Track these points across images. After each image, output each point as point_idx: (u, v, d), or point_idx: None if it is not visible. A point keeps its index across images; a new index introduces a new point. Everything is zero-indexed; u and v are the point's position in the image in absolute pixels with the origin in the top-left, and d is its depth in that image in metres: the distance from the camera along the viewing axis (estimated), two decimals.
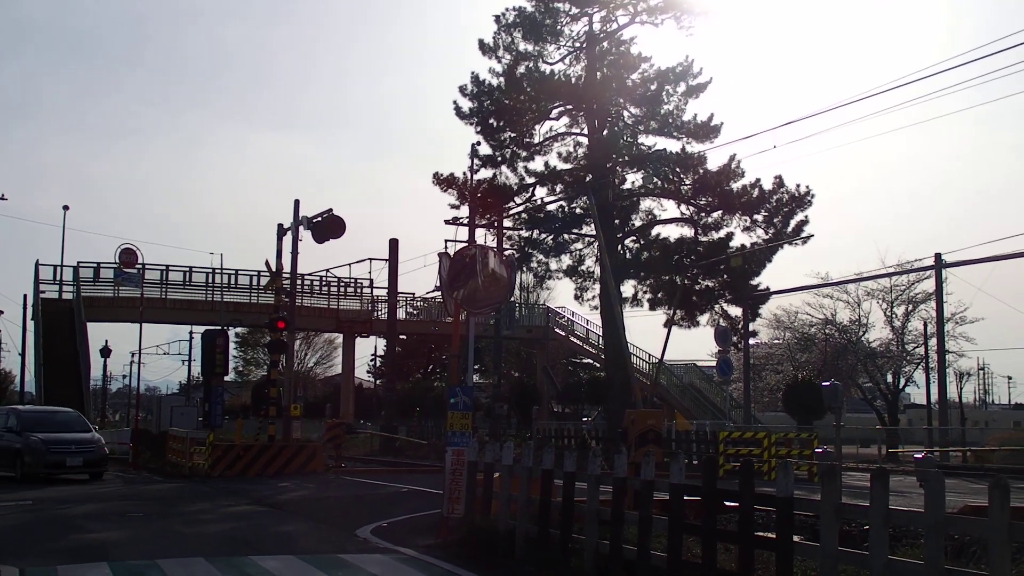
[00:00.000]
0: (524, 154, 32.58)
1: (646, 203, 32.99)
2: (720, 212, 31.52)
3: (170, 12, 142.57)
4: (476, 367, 34.82)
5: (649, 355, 44.79)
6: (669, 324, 31.79)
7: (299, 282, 32.51)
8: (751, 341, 38.23)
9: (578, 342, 45.79)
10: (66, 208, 42.66)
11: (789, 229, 30.84)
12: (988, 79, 18.44)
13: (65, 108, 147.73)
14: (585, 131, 32.44)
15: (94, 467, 20.49)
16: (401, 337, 50.98)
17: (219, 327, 28.96)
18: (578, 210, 32.61)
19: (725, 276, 31.70)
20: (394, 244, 39.15)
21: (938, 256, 31.46)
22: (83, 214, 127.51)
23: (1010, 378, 77.14)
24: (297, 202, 24.01)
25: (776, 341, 46.14)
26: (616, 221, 32.18)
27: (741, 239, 31.46)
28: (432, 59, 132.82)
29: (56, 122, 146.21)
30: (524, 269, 34.16)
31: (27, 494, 17.06)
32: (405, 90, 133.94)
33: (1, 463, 20.55)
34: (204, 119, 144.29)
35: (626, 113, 32.61)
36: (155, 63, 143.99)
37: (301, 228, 23.72)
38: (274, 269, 24.60)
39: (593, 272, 33.21)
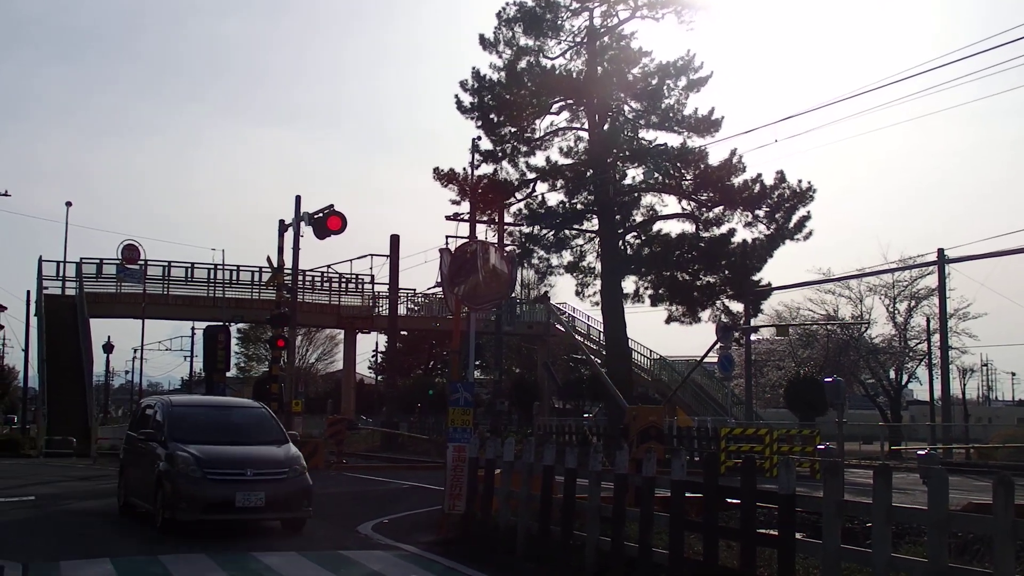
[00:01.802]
0: (525, 149, 32.53)
1: (647, 198, 32.94)
2: (721, 207, 31.43)
3: (166, 8, 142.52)
4: (477, 363, 34.83)
5: (651, 351, 44.81)
6: (723, 329, 31.20)
7: (300, 278, 32.46)
8: (752, 337, 38.19)
9: (579, 338, 45.77)
10: (69, 204, 42.83)
11: (791, 225, 30.75)
12: (986, 74, 18.37)
13: (62, 104, 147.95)
14: (586, 126, 32.39)
15: (286, 509, 11.13)
16: (402, 333, 50.97)
17: (221, 323, 29.01)
18: (579, 206, 32.55)
19: (726, 272, 31.63)
20: (395, 240, 39.15)
21: (941, 251, 31.40)
22: (83, 210, 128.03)
23: (1013, 374, 77.12)
24: (298, 198, 24.03)
25: (778, 337, 46.12)
26: (617, 216, 32.14)
27: (742, 235, 31.41)
28: (430, 55, 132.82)
29: (53, 118, 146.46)
30: (525, 265, 34.12)
31: (30, 490, 17.08)
32: (402, 86, 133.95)
33: (138, 489, 12.16)
34: (200, 115, 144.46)
35: (627, 108, 32.55)
36: (151, 59, 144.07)
37: (302, 224, 23.73)
38: (275, 265, 24.62)
39: (594, 268, 33.18)
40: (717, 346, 29.55)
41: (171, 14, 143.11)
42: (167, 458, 11.08)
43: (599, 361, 40.05)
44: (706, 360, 45.15)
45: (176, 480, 10.77)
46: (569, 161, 32.65)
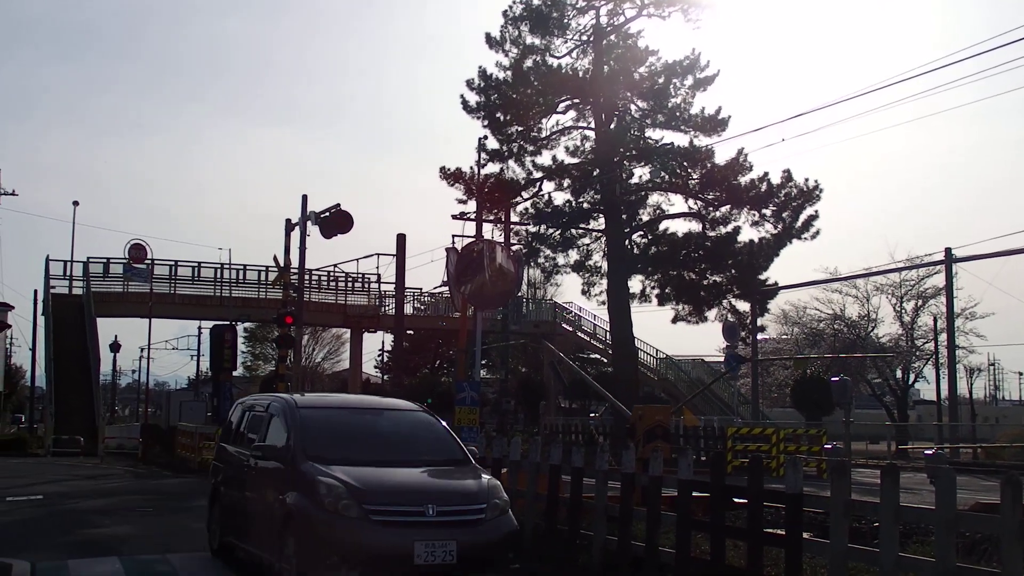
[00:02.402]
0: (531, 148, 32.50)
1: (654, 197, 32.86)
2: (728, 206, 31.35)
3: (167, 7, 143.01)
4: (483, 362, 34.85)
5: (657, 350, 44.78)
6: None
7: (307, 277, 32.49)
8: (759, 336, 38.13)
9: (585, 337, 45.78)
10: (76, 204, 43.04)
11: (798, 224, 30.68)
12: (991, 74, 18.31)
13: (65, 103, 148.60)
14: (592, 125, 32.35)
15: (485, 567, 7.55)
16: (408, 332, 51.06)
17: (227, 322, 29.05)
18: (585, 205, 32.54)
19: (733, 271, 31.58)
20: (401, 239, 39.13)
21: (948, 251, 31.29)
22: (88, 209, 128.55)
23: (1021, 374, 76.91)
24: (305, 197, 24.03)
25: (784, 336, 46.07)
26: (624, 216, 32.12)
27: (749, 234, 31.36)
28: (432, 53, 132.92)
29: (56, 117, 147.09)
30: (531, 264, 34.10)
31: (38, 488, 17.14)
32: (405, 85, 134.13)
33: (246, 529, 8.59)
34: (202, 114, 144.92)
35: (633, 107, 32.50)
36: (152, 58, 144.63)
37: (309, 223, 23.74)
38: (282, 264, 24.66)
39: (600, 267, 33.16)
40: (725, 346, 29.55)
41: (172, 13, 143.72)
42: (301, 486, 7.38)
43: (597, 358, 40.08)
44: (712, 359, 45.18)
45: (318, 521, 7.07)
46: (576, 160, 32.63)
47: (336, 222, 22.85)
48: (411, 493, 7.37)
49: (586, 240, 33.53)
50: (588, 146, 32.57)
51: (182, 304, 40.71)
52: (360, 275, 43.80)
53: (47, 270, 38.28)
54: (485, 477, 7.90)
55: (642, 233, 32.89)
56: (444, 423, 9.04)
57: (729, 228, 31.48)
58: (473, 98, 32.38)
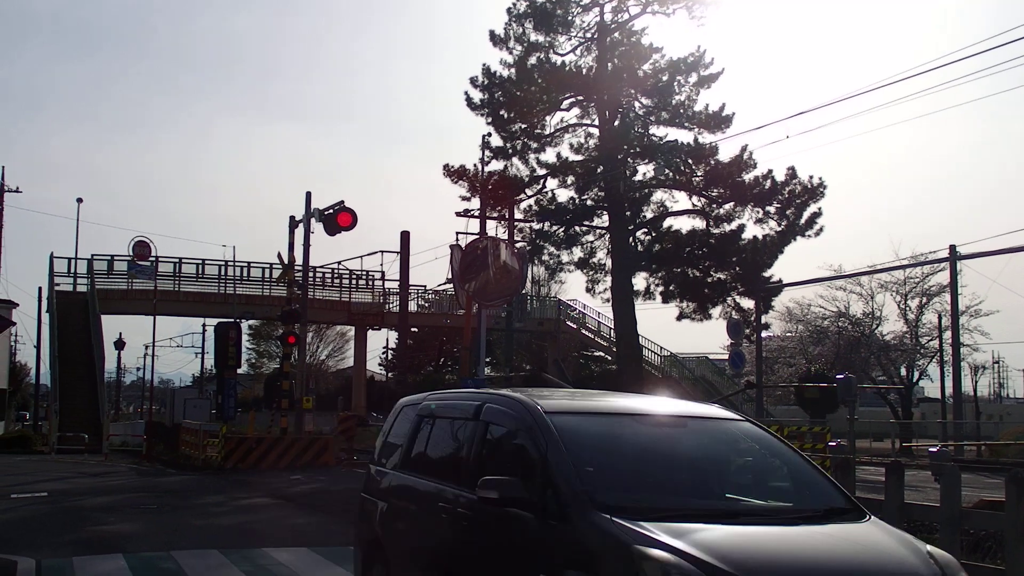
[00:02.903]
0: (535, 145, 32.52)
1: (657, 195, 32.87)
2: (732, 204, 31.36)
3: (176, 3, 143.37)
4: (487, 360, 34.85)
5: (661, 348, 44.75)
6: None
7: (311, 274, 32.55)
8: (763, 334, 38.09)
9: (589, 335, 45.76)
10: (80, 201, 43.06)
11: (802, 221, 30.66)
12: (998, 70, 18.29)
13: (73, 100, 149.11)
14: (596, 122, 32.36)
15: None
16: (413, 330, 51.10)
17: (232, 319, 29.06)
18: (589, 202, 32.54)
19: (737, 268, 31.57)
20: (405, 236, 39.14)
21: (953, 248, 31.20)
22: (95, 206, 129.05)
23: None
24: (308, 194, 24.07)
25: (789, 334, 46.02)
26: (628, 213, 32.11)
27: (753, 231, 31.34)
28: (442, 50, 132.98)
29: (64, 115, 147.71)
30: (536, 262, 34.11)
31: (42, 486, 17.19)
32: (414, 82, 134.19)
33: None
34: (212, 111, 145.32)
35: (637, 104, 32.49)
36: (163, 55, 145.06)
37: (313, 220, 23.78)
38: (286, 261, 24.70)
39: (605, 264, 33.16)
40: (729, 343, 29.50)
41: (181, 10, 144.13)
42: (594, 559, 4.10)
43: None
44: (717, 357, 45.12)
45: None
46: (579, 157, 32.63)
47: (340, 219, 22.89)
48: None
49: (590, 237, 33.56)
50: (592, 143, 32.58)
51: (186, 301, 40.77)
52: (364, 272, 43.84)
53: (51, 267, 38.35)
54: (917, 543, 4.29)
55: (646, 230, 32.88)
56: (783, 438, 5.34)
57: (733, 225, 31.49)
58: (477, 95, 32.43)
